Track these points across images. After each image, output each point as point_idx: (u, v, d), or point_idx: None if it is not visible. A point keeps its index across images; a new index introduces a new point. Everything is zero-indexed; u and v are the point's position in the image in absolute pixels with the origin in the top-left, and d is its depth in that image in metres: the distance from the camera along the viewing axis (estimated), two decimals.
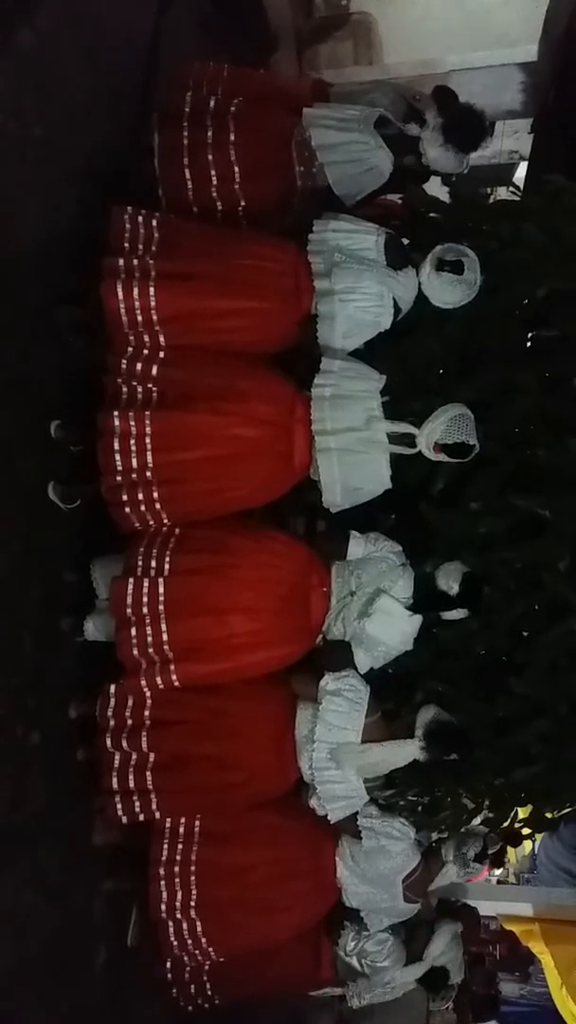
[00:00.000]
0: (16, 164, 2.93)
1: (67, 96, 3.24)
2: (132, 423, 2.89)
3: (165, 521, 3.00)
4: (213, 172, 3.22)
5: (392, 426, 2.97)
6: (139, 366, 2.96)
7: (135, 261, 2.95)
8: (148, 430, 2.89)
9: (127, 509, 2.96)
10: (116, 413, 2.90)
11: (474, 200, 3.64)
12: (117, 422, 2.89)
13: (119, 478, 2.92)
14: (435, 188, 3.63)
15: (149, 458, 2.90)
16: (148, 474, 2.92)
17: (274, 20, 5.83)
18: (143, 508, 2.96)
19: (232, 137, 3.22)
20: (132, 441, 2.89)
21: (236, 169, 3.22)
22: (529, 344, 3.41)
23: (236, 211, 3.28)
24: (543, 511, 3.15)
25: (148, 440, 2.89)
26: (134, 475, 2.92)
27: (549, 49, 5.75)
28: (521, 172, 7.10)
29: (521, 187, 4.42)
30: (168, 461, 2.92)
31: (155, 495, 2.94)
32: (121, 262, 2.94)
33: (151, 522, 3.00)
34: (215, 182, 3.23)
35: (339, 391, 2.97)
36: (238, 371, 3.03)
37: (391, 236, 3.12)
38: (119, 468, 2.91)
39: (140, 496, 2.94)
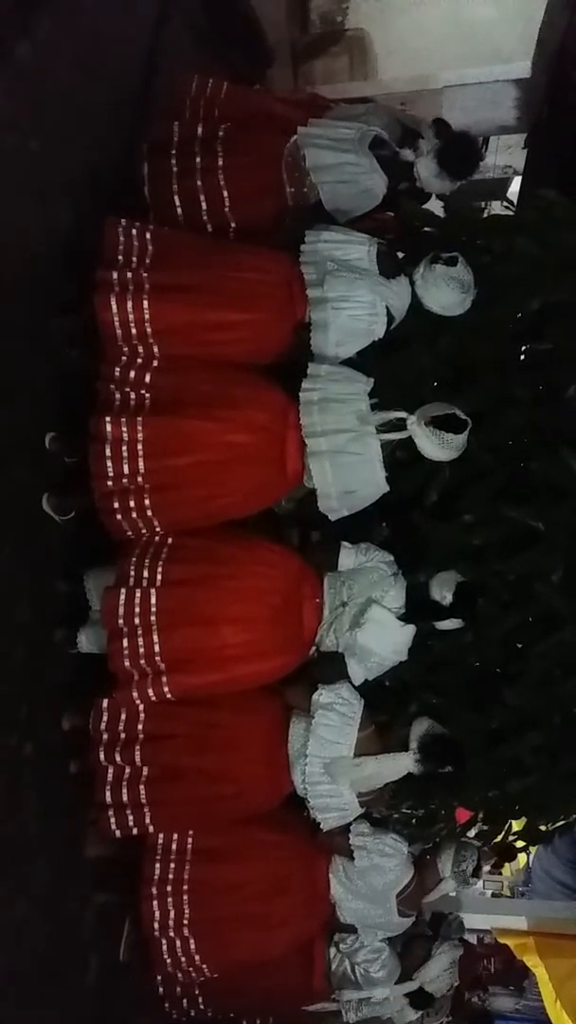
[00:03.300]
0: (13, 177, 2.94)
1: (64, 110, 3.26)
2: (124, 429, 2.89)
3: (157, 528, 3.00)
4: (202, 197, 3.24)
5: (383, 415, 2.96)
6: (132, 373, 2.97)
7: (129, 274, 2.96)
8: (140, 436, 2.89)
9: (118, 516, 2.95)
10: (108, 419, 2.90)
11: (468, 214, 3.66)
12: (109, 427, 2.89)
13: (110, 483, 2.91)
14: (429, 201, 3.65)
15: (141, 464, 2.90)
16: (140, 479, 2.91)
17: (270, 35, 5.88)
18: (135, 515, 2.95)
19: (220, 162, 3.23)
20: (124, 447, 2.89)
21: (225, 193, 3.24)
22: (522, 357, 3.43)
23: (227, 234, 3.29)
24: (536, 523, 3.16)
25: (140, 446, 2.89)
26: (125, 480, 2.91)
27: (542, 65, 5.83)
28: (515, 187, 7.16)
29: (515, 202, 4.45)
30: (160, 467, 2.92)
31: (147, 502, 2.93)
32: (115, 275, 2.95)
33: (143, 529, 2.99)
34: (204, 206, 3.26)
35: (327, 395, 2.97)
36: (231, 378, 3.04)
37: (383, 245, 3.14)
38: (110, 474, 2.91)
39: (132, 503, 2.93)
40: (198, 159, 3.24)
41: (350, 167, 3.23)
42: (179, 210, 3.26)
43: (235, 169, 3.24)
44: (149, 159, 3.30)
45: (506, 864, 6.42)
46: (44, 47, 3.15)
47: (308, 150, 3.25)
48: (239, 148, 3.27)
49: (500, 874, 6.90)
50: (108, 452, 2.89)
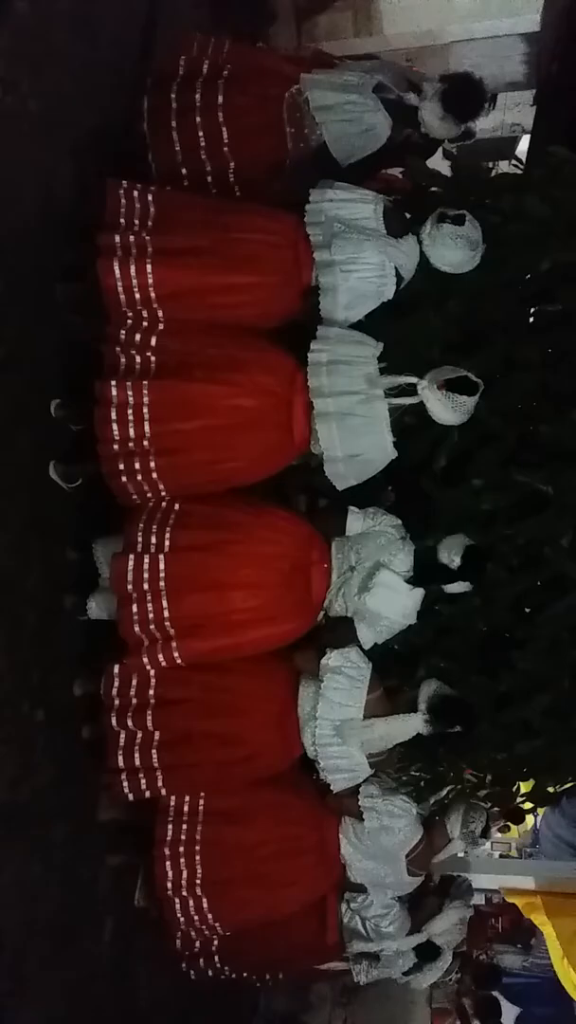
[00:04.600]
0: (13, 138, 2.90)
1: (64, 69, 3.21)
2: (130, 393, 2.87)
3: (163, 493, 2.99)
4: (201, 134, 3.20)
5: (392, 379, 2.93)
6: (137, 336, 2.94)
7: (131, 237, 2.92)
8: (146, 400, 2.87)
9: (124, 479, 2.95)
10: (114, 383, 2.88)
11: (476, 173, 3.60)
12: (115, 391, 2.88)
13: (116, 447, 2.91)
14: (436, 162, 3.59)
15: (147, 428, 2.88)
16: (145, 443, 2.90)
17: None
18: (140, 478, 2.95)
19: (220, 100, 3.19)
20: (130, 411, 2.87)
21: (224, 130, 3.19)
22: (531, 319, 3.39)
23: (226, 174, 3.25)
24: (545, 487, 3.14)
25: (146, 410, 2.87)
26: (131, 444, 2.90)
27: (552, 19, 5.67)
28: (523, 145, 7.03)
29: (523, 160, 4.37)
30: (166, 431, 2.91)
31: (152, 465, 2.93)
32: (117, 239, 2.92)
33: (149, 494, 2.99)
34: (203, 143, 3.21)
35: (335, 356, 2.95)
36: (238, 342, 3.01)
37: (389, 204, 3.09)
38: (116, 438, 2.90)
39: (137, 466, 2.92)
40: (198, 95, 3.20)
41: (353, 106, 3.19)
42: (177, 146, 3.22)
43: (235, 107, 3.20)
44: (151, 93, 3.26)
45: (514, 826, 6.49)
46: (42, 6, 3.09)
47: (312, 91, 3.21)
48: (240, 87, 3.23)
49: (508, 831, 6.97)
50: (114, 416, 2.88)
